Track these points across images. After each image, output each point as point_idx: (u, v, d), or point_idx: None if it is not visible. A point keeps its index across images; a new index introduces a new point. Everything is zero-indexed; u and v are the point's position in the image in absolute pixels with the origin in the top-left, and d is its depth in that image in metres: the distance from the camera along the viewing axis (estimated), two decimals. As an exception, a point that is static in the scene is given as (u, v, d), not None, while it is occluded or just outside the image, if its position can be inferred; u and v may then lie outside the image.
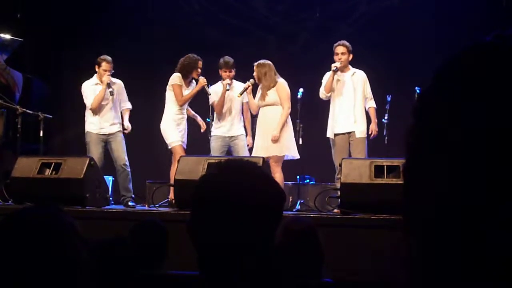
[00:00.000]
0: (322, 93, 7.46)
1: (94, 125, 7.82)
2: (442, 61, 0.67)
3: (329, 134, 7.46)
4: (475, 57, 0.64)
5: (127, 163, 7.73)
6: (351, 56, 7.43)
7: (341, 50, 7.38)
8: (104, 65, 7.78)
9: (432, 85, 0.67)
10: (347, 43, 7.44)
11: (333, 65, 7.35)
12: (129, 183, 7.72)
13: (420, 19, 9.20)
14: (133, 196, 7.71)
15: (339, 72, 7.41)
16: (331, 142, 7.45)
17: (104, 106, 7.83)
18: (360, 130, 7.35)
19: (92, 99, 7.73)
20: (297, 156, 7.48)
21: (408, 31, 9.21)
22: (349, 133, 7.35)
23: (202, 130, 8.05)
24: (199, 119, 8.08)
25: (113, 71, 7.83)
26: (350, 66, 7.51)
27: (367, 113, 7.49)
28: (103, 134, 7.81)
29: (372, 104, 7.51)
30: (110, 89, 7.74)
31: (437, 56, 8.44)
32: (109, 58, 7.84)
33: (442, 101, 0.64)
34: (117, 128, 7.88)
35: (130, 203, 7.52)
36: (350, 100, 7.40)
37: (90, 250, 1.78)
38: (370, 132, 7.42)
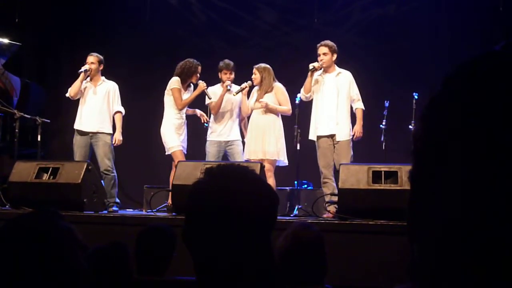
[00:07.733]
0: (302, 94, 7.26)
1: (77, 121, 7.75)
2: (452, 67, 0.66)
3: (312, 136, 7.20)
4: (487, 65, 0.64)
5: (110, 168, 7.58)
6: (335, 56, 7.13)
7: (322, 50, 7.13)
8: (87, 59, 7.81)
9: (442, 91, 0.66)
10: (330, 43, 7.16)
11: (310, 64, 7.16)
12: (113, 188, 7.57)
13: (416, 26, 9.19)
14: (117, 201, 7.56)
15: (322, 73, 7.20)
16: (316, 144, 7.19)
17: (87, 100, 7.74)
18: (342, 133, 7.07)
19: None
20: (287, 163, 7.42)
21: (406, 37, 9.21)
22: (332, 135, 7.09)
23: (203, 121, 7.89)
24: (198, 112, 7.95)
25: (94, 65, 7.72)
26: (335, 67, 7.23)
27: (354, 115, 7.21)
28: (85, 133, 7.68)
29: (359, 105, 7.20)
30: (85, 68, 7.67)
31: (433, 62, 8.46)
32: (93, 53, 7.84)
33: (453, 108, 0.63)
34: (102, 129, 7.71)
35: (113, 208, 7.33)
36: (333, 102, 7.10)
37: (88, 256, 1.77)
38: (353, 134, 7.10)
